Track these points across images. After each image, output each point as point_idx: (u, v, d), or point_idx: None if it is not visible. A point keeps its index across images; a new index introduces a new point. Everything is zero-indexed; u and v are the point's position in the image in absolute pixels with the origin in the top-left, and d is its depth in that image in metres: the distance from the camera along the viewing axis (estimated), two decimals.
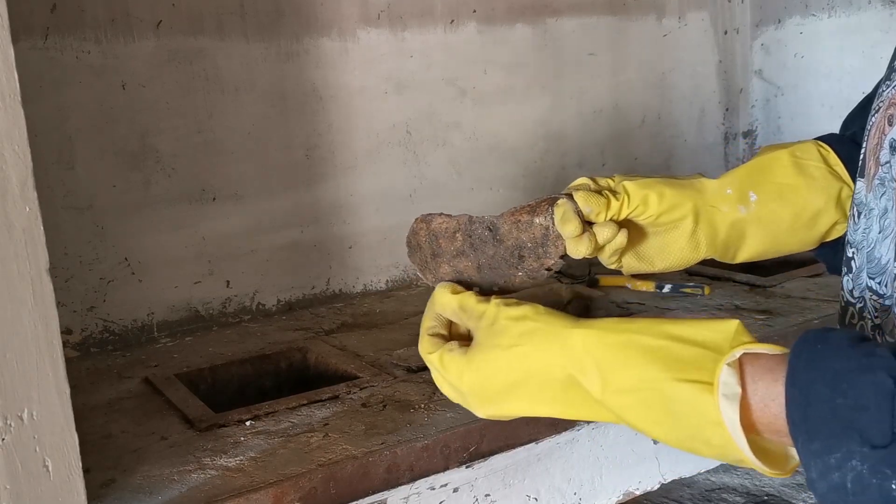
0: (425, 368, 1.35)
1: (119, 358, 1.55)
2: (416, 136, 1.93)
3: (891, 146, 0.73)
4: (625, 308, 1.69)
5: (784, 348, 0.62)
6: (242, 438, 1.14)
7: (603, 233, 0.81)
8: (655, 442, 1.41)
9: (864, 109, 0.91)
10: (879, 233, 0.75)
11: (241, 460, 1.08)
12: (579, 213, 0.83)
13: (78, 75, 1.53)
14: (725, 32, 2.46)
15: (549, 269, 0.86)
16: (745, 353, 0.61)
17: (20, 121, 0.81)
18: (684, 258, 0.87)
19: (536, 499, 1.29)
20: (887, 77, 0.76)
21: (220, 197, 1.70)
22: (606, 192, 0.84)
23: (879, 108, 0.76)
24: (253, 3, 1.69)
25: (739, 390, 0.60)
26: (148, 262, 1.63)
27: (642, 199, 0.83)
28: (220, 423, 1.19)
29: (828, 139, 0.92)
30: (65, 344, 1.18)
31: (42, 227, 0.83)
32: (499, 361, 0.73)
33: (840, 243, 0.88)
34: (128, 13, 1.57)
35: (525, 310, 0.75)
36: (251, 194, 1.73)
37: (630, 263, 0.87)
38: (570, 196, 0.85)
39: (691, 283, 1.75)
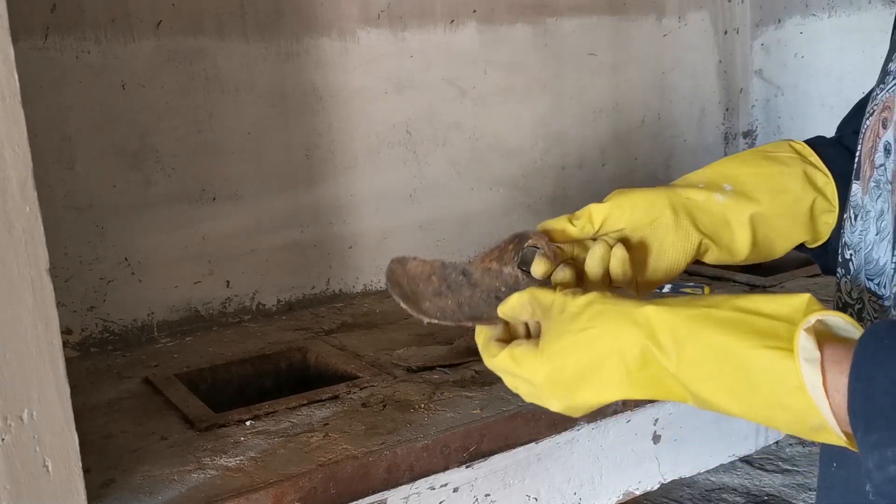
0: (425, 368, 1.36)
1: (119, 358, 1.55)
2: (416, 136, 1.93)
3: (885, 149, 0.73)
4: None
5: (855, 323, 0.62)
6: (242, 438, 1.14)
7: (594, 254, 0.83)
8: (655, 442, 1.41)
9: (858, 113, 0.92)
10: (876, 234, 0.75)
11: (241, 460, 1.08)
12: (549, 251, 0.85)
13: (78, 75, 1.53)
14: (725, 32, 2.46)
15: None
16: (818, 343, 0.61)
17: (20, 121, 0.81)
18: (680, 250, 0.87)
19: (536, 499, 1.29)
20: (881, 81, 0.77)
21: (220, 197, 1.70)
22: (567, 218, 0.86)
23: (874, 111, 0.77)
24: (253, 3, 1.69)
25: (818, 354, 0.60)
26: (148, 262, 1.63)
27: (609, 209, 0.85)
28: (220, 423, 1.19)
29: (809, 140, 0.93)
30: (65, 344, 1.18)
31: (42, 227, 0.83)
32: (572, 346, 0.72)
33: (830, 244, 0.89)
34: (128, 13, 1.57)
35: (592, 295, 0.74)
36: (251, 194, 1.73)
37: (643, 280, 0.87)
38: (536, 235, 0.87)
39: (691, 283, 1.75)
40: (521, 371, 0.75)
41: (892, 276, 0.73)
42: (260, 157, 1.73)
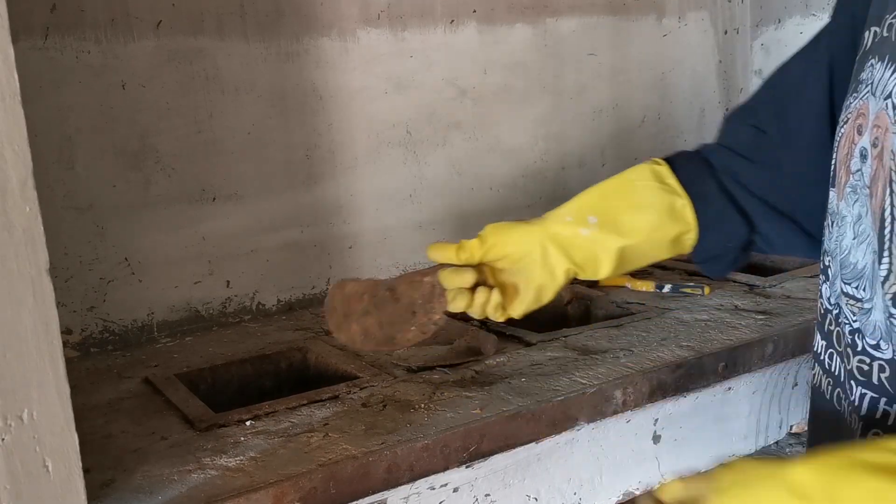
0: (425, 368, 1.36)
1: (119, 358, 1.55)
2: (416, 136, 1.93)
3: (861, 154, 0.75)
4: (625, 308, 1.69)
5: None
6: (242, 438, 1.14)
7: (477, 301, 0.96)
8: (655, 442, 1.42)
9: (752, 111, 1.01)
10: (854, 238, 0.77)
11: (241, 460, 1.08)
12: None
13: (78, 75, 1.53)
14: (725, 32, 2.46)
15: (435, 324, 1.04)
16: None
17: (20, 121, 0.81)
18: (546, 282, 0.97)
19: (536, 499, 1.29)
20: (854, 90, 0.79)
21: (220, 197, 1.70)
22: (454, 249, 1.00)
23: (847, 119, 0.78)
24: (253, 3, 1.69)
25: None
26: (148, 262, 1.63)
27: (487, 248, 0.97)
28: (220, 423, 1.19)
29: (672, 157, 1.01)
30: (65, 344, 1.18)
31: (42, 227, 0.83)
32: None
33: (713, 252, 0.99)
34: (128, 13, 1.57)
35: (739, 464, 0.72)
36: (251, 194, 1.73)
37: (512, 307, 0.99)
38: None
39: (691, 283, 1.75)
40: None
41: (873, 277, 0.74)
42: (260, 157, 1.73)
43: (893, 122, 0.69)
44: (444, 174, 1.98)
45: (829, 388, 0.83)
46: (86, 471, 0.90)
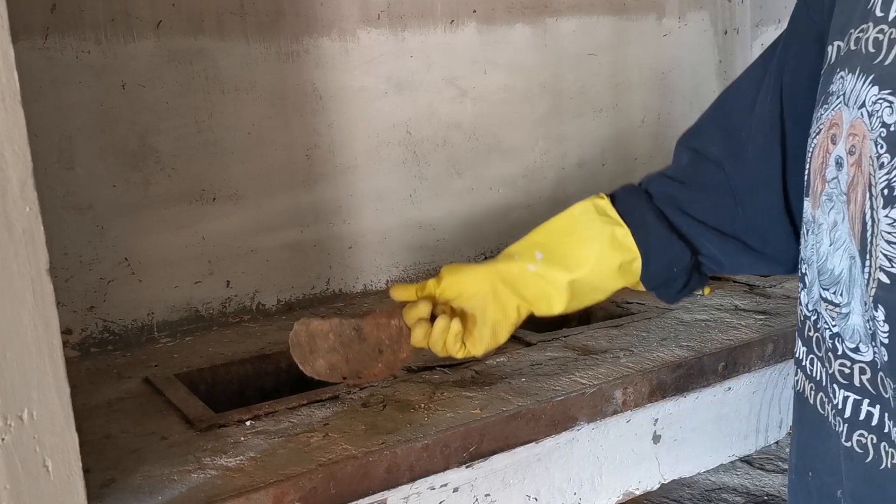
0: (425, 368, 1.36)
1: (119, 358, 1.55)
2: (416, 136, 1.93)
3: (836, 163, 0.78)
4: (625, 308, 1.69)
5: None
6: (242, 438, 1.14)
7: (437, 328, 0.99)
8: (655, 442, 1.42)
9: (697, 133, 1.06)
10: (830, 245, 0.80)
11: (241, 460, 1.08)
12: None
13: (78, 75, 1.53)
14: (725, 32, 2.46)
15: (402, 362, 1.08)
16: None
17: (20, 121, 0.81)
18: (499, 318, 1.02)
19: (536, 499, 1.29)
20: (824, 102, 0.82)
21: (220, 197, 1.70)
22: (415, 289, 1.03)
23: (820, 130, 0.81)
24: (253, 3, 1.69)
25: None
26: (148, 262, 1.63)
27: (443, 288, 1.01)
28: (220, 423, 1.19)
29: (614, 192, 1.06)
30: (65, 344, 1.18)
31: (42, 227, 0.83)
32: None
33: (661, 278, 1.03)
34: (128, 13, 1.57)
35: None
36: (251, 194, 1.73)
37: (470, 342, 1.02)
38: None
39: None
40: None
41: (850, 282, 0.77)
42: (260, 157, 1.73)
43: (870, 129, 0.72)
44: (444, 174, 1.98)
45: (812, 392, 0.85)
46: (86, 471, 0.90)
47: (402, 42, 1.88)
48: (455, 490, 1.20)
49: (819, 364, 0.83)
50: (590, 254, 1.01)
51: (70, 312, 1.55)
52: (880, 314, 0.73)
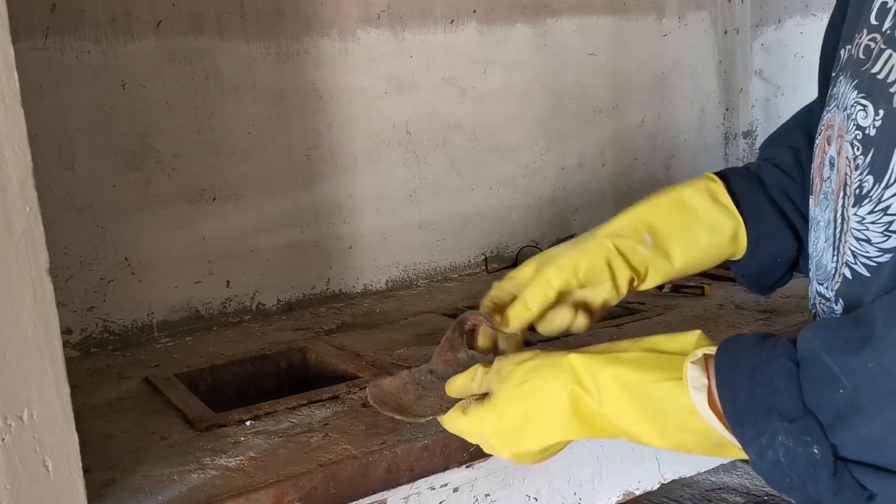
0: None
1: (119, 358, 1.55)
2: (416, 136, 1.93)
3: (830, 163, 0.81)
4: (625, 308, 1.69)
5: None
6: (242, 438, 1.14)
7: (554, 322, 1.00)
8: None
9: (788, 132, 1.06)
10: (825, 241, 0.83)
11: (241, 460, 1.08)
12: (489, 325, 1.00)
13: (78, 75, 1.53)
14: (725, 32, 2.46)
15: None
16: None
17: (20, 121, 0.81)
18: (610, 297, 1.01)
19: (536, 499, 1.29)
20: (826, 104, 0.85)
21: (220, 197, 1.70)
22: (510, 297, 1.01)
23: (821, 131, 0.85)
24: (253, 3, 1.69)
25: (706, 381, 0.71)
26: (148, 262, 1.63)
27: (564, 279, 0.97)
28: (220, 423, 1.19)
29: (727, 173, 1.04)
30: (65, 344, 1.18)
31: (42, 227, 0.83)
32: (511, 399, 0.83)
33: (761, 268, 1.03)
34: (128, 13, 1.57)
35: (526, 354, 0.87)
36: (251, 194, 1.73)
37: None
38: (473, 315, 1.02)
39: (691, 283, 1.75)
40: (470, 426, 0.88)
41: (833, 277, 0.81)
42: (260, 157, 1.73)
43: (847, 131, 0.76)
44: (444, 174, 1.98)
45: None
46: (86, 471, 0.90)
47: (402, 42, 1.88)
48: (455, 490, 1.20)
49: None
50: (698, 246, 1.00)
51: (70, 312, 1.55)
52: (839, 307, 0.79)
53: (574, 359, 0.79)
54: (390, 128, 1.89)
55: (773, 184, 1.02)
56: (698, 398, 0.70)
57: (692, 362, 0.72)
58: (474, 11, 1.97)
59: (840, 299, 0.78)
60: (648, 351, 0.77)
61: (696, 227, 1.00)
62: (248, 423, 1.19)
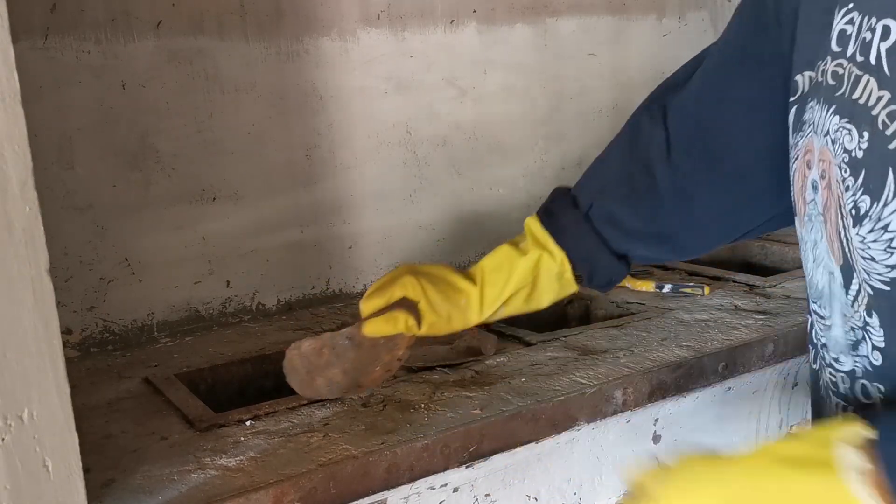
0: (425, 368, 1.36)
1: (119, 358, 1.55)
2: (416, 136, 1.93)
3: (813, 186, 0.84)
4: (625, 308, 1.69)
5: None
6: (242, 438, 1.14)
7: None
8: (655, 442, 1.42)
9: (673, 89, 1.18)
10: (814, 261, 0.87)
11: (241, 460, 1.08)
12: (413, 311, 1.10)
13: (78, 75, 1.53)
14: None
15: (399, 360, 1.13)
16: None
17: (20, 121, 0.81)
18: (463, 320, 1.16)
19: (536, 499, 1.29)
20: (799, 129, 0.89)
21: (220, 197, 1.70)
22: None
23: (797, 155, 0.88)
24: (253, 3, 1.69)
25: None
26: (148, 262, 1.63)
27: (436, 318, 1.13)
28: (220, 423, 1.19)
29: (546, 207, 1.21)
30: (65, 344, 1.18)
31: (42, 227, 0.83)
32: None
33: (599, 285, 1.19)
34: (128, 13, 1.57)
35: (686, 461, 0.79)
36: (251, 194, 1.73)
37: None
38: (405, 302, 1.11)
39: (691, 283, 1.75)
40: None
41: (830, 296, 0.84)
42: (260, 157, 1.73)
43: (834, 155, 0.79)
44: (444, 174, 1.98)
45: (816, 394, 0.93)
46: (86, 471, 0.90)
47: (402, 42, 1.88)
48: (455, 490, 1.20)
49: (818, 371, 0.91)
50: (515, 303, 1.17)
51: (70, 312, 1.55)
52: (874, 320, 0.79)
53: (732, 476, 0.72)
54: (390, 128, 1.89)
55: (598, 217, 1.16)
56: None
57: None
58: (474, 11, 1.97)
59: (874, 312, 0.79)
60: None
61: (512, 285, 1.16)
62: (248, 423, 1.19)
